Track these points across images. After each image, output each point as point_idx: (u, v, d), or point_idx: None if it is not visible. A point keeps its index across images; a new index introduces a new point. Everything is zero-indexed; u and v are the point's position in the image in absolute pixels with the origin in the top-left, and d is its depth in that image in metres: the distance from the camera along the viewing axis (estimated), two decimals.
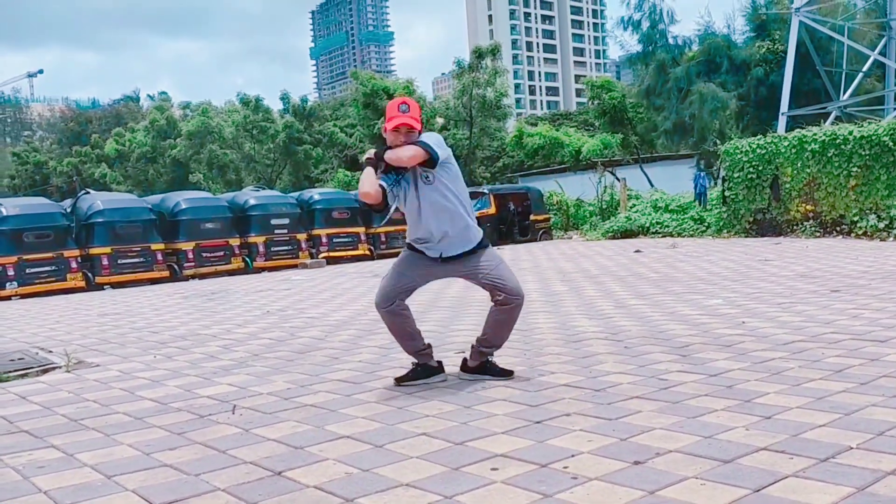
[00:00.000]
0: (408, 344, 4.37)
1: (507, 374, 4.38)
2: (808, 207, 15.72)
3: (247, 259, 18.23)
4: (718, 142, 19.51)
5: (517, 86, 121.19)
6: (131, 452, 3.31)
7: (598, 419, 3.44)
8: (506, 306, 4.23)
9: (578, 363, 4.70)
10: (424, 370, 4.38)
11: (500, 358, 4.95)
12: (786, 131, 20.03)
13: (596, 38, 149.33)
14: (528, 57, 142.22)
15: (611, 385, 4.07)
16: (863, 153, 14.64)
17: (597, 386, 4.07)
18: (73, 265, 15.41)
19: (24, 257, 14.83)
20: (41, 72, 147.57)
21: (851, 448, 2.86)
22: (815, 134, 15.62)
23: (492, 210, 22.47)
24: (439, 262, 4.26)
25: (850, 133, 14.92)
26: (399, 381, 4.36)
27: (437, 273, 4.36)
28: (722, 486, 2.55)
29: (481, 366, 4.41)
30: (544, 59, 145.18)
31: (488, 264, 4.25)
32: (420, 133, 4.17)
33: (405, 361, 5.03)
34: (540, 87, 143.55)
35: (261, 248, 18.43)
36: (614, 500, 2.50)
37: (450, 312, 7.54)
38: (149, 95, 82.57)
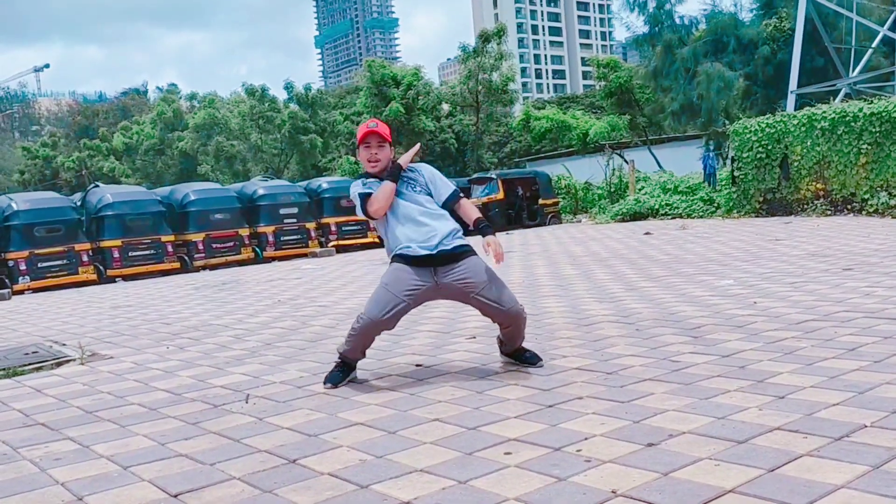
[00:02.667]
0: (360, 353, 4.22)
1: (533, 361, 4.26)
2: (819, 186, 15.62)
3: (256, 249, 18.30)
4: (727, 122, 19.39)
5: (523, 70, 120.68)
6: (147, 443, 3.33)
7: (611, 402, 3.44)
8: (509, 327, 4.18)
9: (590, 346, 4.70)
10: (350, 368, 4.23)
11: None
12: (794, 110, 19.91)
13: (602, 19, 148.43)
14: (533, 40, 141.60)
15: (623, 368, 4.07)
16: (873, 130, 14.52)
17: (609, 369, 4.07)
18: (85, 258, 15.51)
19: (36, 252, 14.93)
20: (47, 66, 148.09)
21: (865, 426, 2.85)
22: (824, 112, 15.50)
23: (500, 195, 22.44)
24: (432, 270, 4.00)
25: (860, 110, 14.80)
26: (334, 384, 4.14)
27: (428, 292, 4.07)
28: (736, 467, 2.55)
29: (512, 354, 4.35)
30: (550, 42, 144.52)
31: (481, 280, 4.03)
32: (390, 148, 4.18)
33: (416, 348, 5.06)
34: (546, 70, 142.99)
35: (270, 238, 18.48)
36: (628, 482, 2.50)
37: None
38: (157, 87, 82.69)
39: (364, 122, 4.28)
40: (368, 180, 4.19)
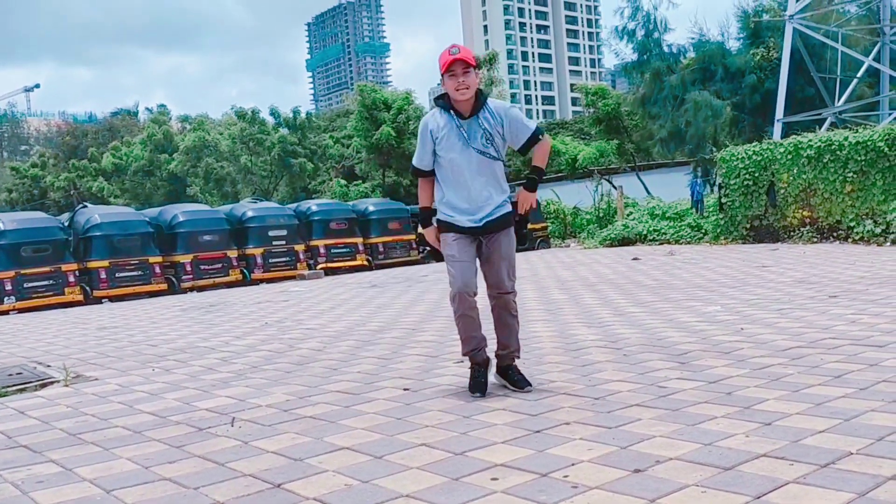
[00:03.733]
0: (479, 332, 4.27)
1: (522, 385, 4.27)
2: (805, 213, 15.74)
3: (245, 271, 18.23)
4: (714, 149, 19.56)
5: (513, 95, 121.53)
6: (130, 466, 3.30)
7: (598, 427, 3.43)
8: (497, 306, 4.28)
9: (578, 371, 4.70)
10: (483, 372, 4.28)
11: None
12: (781, 138, 20.10)
13: (591, 46, 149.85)
14: (523, 66, 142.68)
15: (610, 393, 4.07)
16: (858, 159, 14.67)
17: (596, 394, 4.06)
18: (71, 279, 15.40)
19: (22, 271, 14.83)
20: (38, 86, 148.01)
21: (852, 453, 2.86)
22: (810, 140, 15.65)
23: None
24: (478, 236, 4.17)
25: (846, 139, 14.96)
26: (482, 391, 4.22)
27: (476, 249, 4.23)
28: (723, 494, 2.54)
29: (502, 370, 4.38)
30: (540, 67, 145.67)
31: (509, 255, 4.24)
32: (476, 72, 4.14)
33: (404, 371, 5.04)
34: (536, 95, 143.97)
35: (259, 260, 18.43)
36: None
37: (449, 322, 7.52)
38: (147, 109, 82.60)
39: (446, 49, 4.17)
40: (439, 124, 4.18)
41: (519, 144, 4.24)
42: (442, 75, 4.13)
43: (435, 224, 4.28)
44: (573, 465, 2.94)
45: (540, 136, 4.24)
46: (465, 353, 4.32)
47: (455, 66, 4.06)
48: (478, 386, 4.23)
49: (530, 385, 4.28)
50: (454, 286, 4.14)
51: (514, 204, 4.30)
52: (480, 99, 4.18)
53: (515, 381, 4.30)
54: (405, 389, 4.51)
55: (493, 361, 4.40)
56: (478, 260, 4.26)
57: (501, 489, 2.73)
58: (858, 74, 26.16)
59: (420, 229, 4.41)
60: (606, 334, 6.11)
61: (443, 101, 4.22)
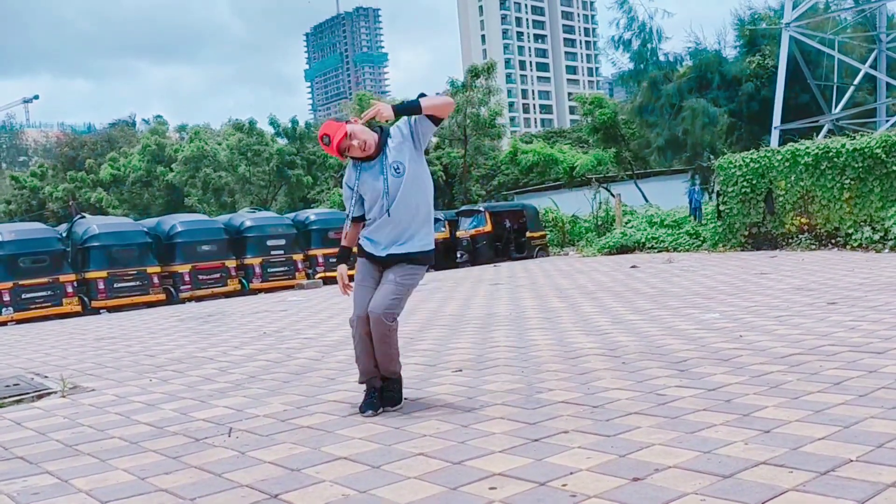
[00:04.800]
0: (370, 361, 4.24)
1: (392, 402, 4.27)
2: (803, 220, 15.75)
3: (243, 281, 18.20)
4: (712, 157, 19.58)
5: (511, 104, 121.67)
6: (126, 477, 3.28)
7: (597, 436, 3.42)
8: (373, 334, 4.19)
9: (576, 380, 4.68)
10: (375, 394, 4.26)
11: (498, 374, 4.94)
12: (778, 145, 20.14)
13: (588, 55, 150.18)
14: (521, 75, 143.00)
15: (609, 401, 4.05)
16: (856, 165, 14.69)
17: (595, 402, 4.05)
18: (69, 290, 15.37)
19: (20, 282, 14.79)
20: (37, 97, 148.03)
21: (851, 461, 2.85)
22: (807, 147, 15.67)
23: (488, 228, 22.48)
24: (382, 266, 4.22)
25: (843, 146, 14.98)
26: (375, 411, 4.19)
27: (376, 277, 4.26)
28: (722, 502, 2.53)
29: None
30: (537, 77, 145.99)
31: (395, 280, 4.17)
32: (357, 134, 4.08)
33: (403, 381, 5.01)
34: (534, 105, 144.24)
35: (257, 270, 18.39)
36: None
37: (447, 331, 7.52)
38: (144, 120, 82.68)
39: (322, 142, 4.18)
40: (354, 176, 4.23)
41: (422, 116, 4.14)
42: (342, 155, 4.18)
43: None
44: (572, 473, 2.93)
45: (423, 96, 4.17)
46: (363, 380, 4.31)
47: (343, 149, 4.10)
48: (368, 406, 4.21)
49: (400, 403, 4.29)
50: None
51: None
52: (382, 135, 4.20)
53: (385, 396, 4.28)
54: (403, 398, 4.49)
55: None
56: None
57: (499, 498, 2.71)
58: (855, 81, 26.21)
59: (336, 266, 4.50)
60: (605, 342, 6.10)
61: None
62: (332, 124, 4.15)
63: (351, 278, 4.37)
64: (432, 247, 4.29)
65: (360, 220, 4.33)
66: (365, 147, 4.09)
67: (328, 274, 19.33)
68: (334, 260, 4.41)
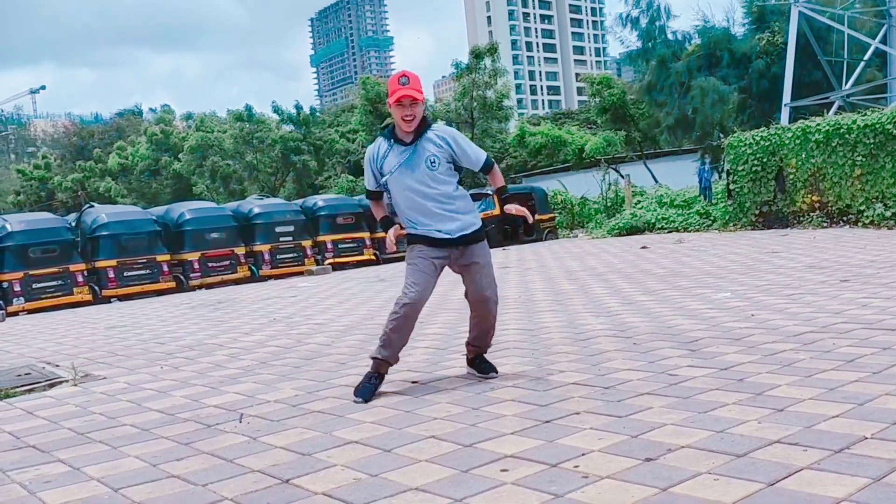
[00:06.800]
0: (403, 346, 4.34)
1: (486, 371, 4.46)
2: (814, 198, 15.63)
3: (252, 268, 18.25)
4: (722, 136, 19.44)
5: (518, 86, 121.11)
6: (138, 464, 3.28)
7: (609, 417, 3.40)
8: (477, 313, 4.39)
9: (587, 361, 4.66)
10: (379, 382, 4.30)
11: (508, 357, 4.93)
12: (789, 122, 19.97)
13: (596, 35, 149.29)
14: (528, 57, 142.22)
15: (620, 382, 4.03)
16: (867, 142, 14.56)
17: (606, 384, 4.03)
18: (80, 279, 15.44)
19: (31, 272, 14.86)
20: (44, 87, 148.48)
21: (866, 438, 2.82)
22: (818, 124, 15.53)
23: (496, 211, 22.44)
24: (452, 249, 4.24)
25: (854, 122, 14.84)
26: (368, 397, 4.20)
27: (446, 264, 4.31)
28: (736, 481, 2.51)
29: (471, 361, 4.55)
30: (544, 58, 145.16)
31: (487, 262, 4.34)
32: (422, 103, 4.21)
33: (413, 364, 5.02)
34: (541, 86, 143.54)
35: (266, 257, 18.44)
36: (626, 498, 2.46)
37: (456, 315, 7.50)
38: (151, 109, 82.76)
39: (395, 75, 4.28)
40: (380, 153, 4.28)
41: (478, 167, 4.38)
42: (389, 104, 4.21)
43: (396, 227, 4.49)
44: (584, 454, 2.91)
45: (492, 163, 4.44)
46: (382, 360, 4.29)
47: (404, 98, 4.14)
48: (364, 392, 4.20)
49: (497, 371, 4.45)
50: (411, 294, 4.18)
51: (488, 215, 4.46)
52: (424, 126, 4.26)
53: (483, 368, 4.48)
54: (413, 382, 4.49)
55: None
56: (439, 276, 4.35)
57: (511, 480, 2.70)
58: (866, 57, 25.94)
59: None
60: (615, 323, 6.07)
61: (387, 131, 4.32)
62: (416, 78, 4.25)
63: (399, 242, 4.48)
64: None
65: (377, 197, 4.44)
66: (415, 115, 4.16)
67: (337, 260, 19.35)
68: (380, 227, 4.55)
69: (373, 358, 4.27)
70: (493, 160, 4.47)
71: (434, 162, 4.19)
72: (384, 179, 4.28)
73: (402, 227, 4.44)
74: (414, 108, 4.15)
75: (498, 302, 4.41)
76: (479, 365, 4.48)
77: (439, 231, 4.19)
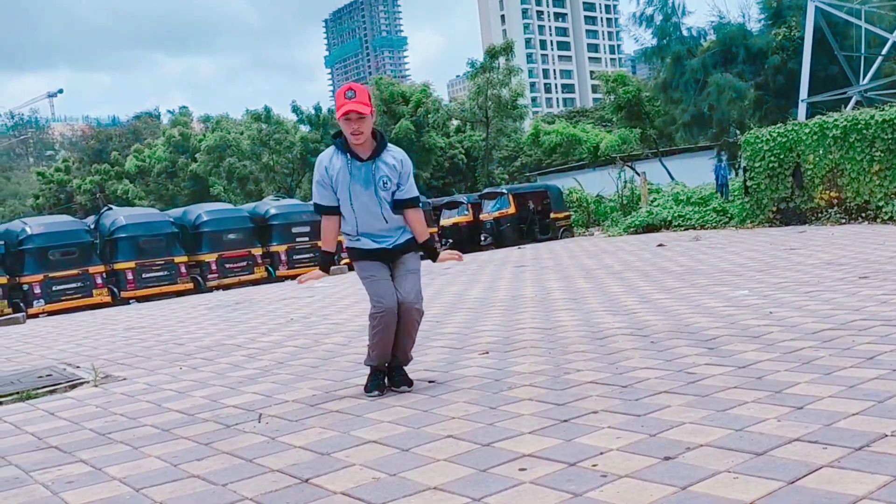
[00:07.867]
0: (389, 349, 4.33)
1: (399, 385, 4.37)
2: (832, 194, 15.52)
3: (269, 268, 18.33)
4: (738, 132, 19.33)
5: (532, 84, 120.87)
6: (159, 464, 3.31)
7: (627, 416, 3.39)
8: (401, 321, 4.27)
9: (604, 360, 4.66)
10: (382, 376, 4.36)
11: (525, 356, 4.93)
12: (806, 118, 19.82)
13: (610, 33, 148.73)
14: (542, 55, 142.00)
15: (638, 381, 4.03)
16: (885, 137, 14.43)
17: (624, 382, 4.02)
18: (99, 281, 15.59)
19: (50, 275, 15.02)
20: (61, 91, 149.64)
21: (886, 436, 2.80)
22: (836, 120, 15.42)
23: (511, 210, 22.43)
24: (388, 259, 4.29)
25: (872, 117, 14.71)
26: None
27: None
28: (755, 479, 2.50)
29: (388, 370, 4.43)
30: (559, 56, 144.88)
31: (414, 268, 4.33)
32: (371, 117, 4.12)
33: (430, 364, 5.03)
34: (555, 84, 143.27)
35: (283, 257, 18.53)
36: (645, 497, 2.46)
37: (472, 314, 7.51)
38: (169, 111, 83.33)
39: (342, 88, 4.18)
40: (335, 166, 4.20)
41: (400, 198, 4.25)
42: (338, 117, 4.15)
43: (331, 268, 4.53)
44: (602, 453, 2.91)
45: (418, 204, 4.36)
46: (374, 367, 4.38)
47: (350, 112, 4.07)
48: (373, 385, 4.30)
49: (411, 384, 4.37)
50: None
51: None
52: (381, 143, 4.21)
53: (395, 381, 4.38)
54: (430, 382, 4.50)
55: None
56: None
57: (529, 479, 2.70)
58: (883, 52, 25.68)
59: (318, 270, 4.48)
60: (633, 322, 6.05)
61: (341, 140, 4.22)
62: (364, 91, 4.16)
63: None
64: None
65: (330, 212, 4.31)
66: (363, 131, 4.09)
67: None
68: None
69: (367, 365, 4.39)
70: (419, 202, 4.40)
71: (386, 183, 4.17)
72: (338, 196, 4.22)
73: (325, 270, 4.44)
74: (360, 123, 4.07)
75: (423, 313, 4.32)
76: (394, 378, 4.37)
77: (377, 243, 4.25)
